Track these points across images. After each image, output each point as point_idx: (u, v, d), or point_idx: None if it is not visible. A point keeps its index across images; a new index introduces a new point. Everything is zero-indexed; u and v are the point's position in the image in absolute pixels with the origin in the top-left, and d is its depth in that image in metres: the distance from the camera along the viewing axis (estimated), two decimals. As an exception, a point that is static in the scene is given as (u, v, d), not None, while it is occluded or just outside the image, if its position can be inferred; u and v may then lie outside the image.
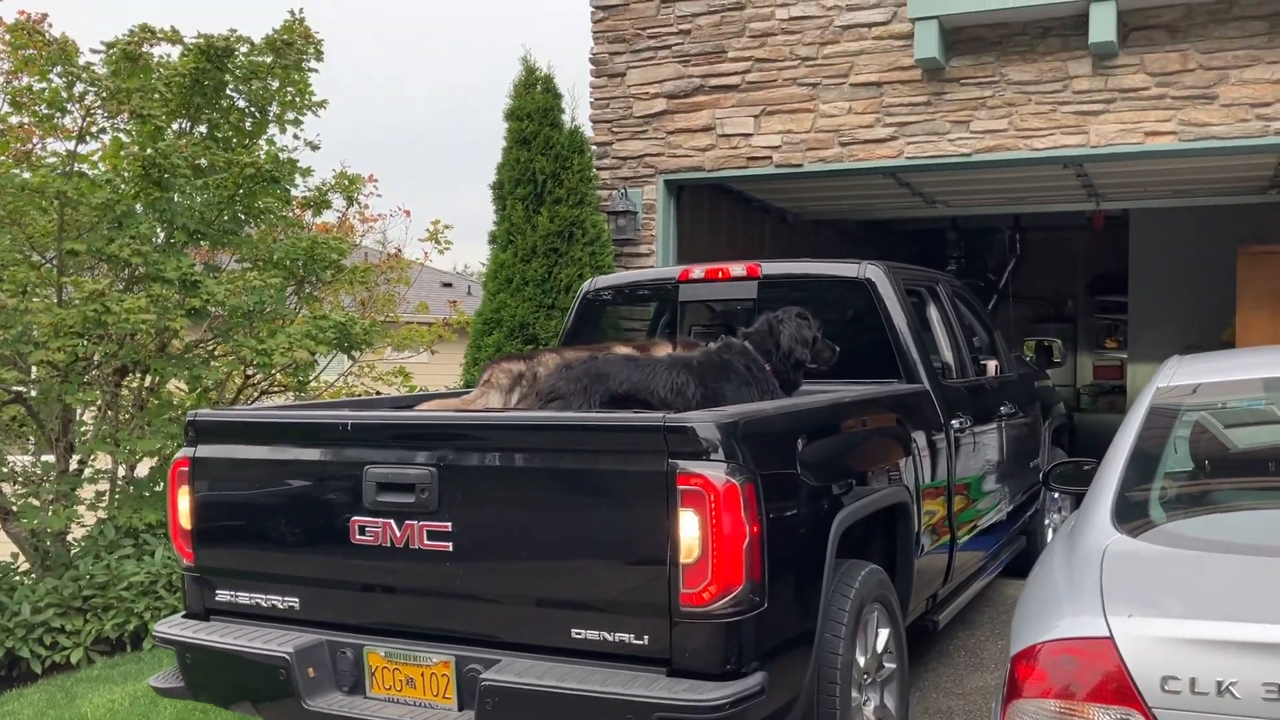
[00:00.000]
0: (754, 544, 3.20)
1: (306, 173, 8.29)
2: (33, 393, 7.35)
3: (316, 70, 8.24)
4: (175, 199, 7.50)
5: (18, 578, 6.96)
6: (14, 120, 7.73)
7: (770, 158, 8.57)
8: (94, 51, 7.47)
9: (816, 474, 3.74)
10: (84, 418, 7.72)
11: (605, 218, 8.55)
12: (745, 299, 5.48)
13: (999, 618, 6.48)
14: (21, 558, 7.25)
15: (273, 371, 7.85)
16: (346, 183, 8.68)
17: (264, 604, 3.92)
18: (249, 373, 8.09)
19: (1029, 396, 7.16)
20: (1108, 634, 2.37)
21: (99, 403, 7.45)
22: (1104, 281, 15.20)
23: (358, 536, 3.64)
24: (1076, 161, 8.36)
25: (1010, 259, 15.33)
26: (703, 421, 3.26)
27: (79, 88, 7.35)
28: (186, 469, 4.06)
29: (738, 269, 5.57)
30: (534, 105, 8.23)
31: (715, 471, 3.17)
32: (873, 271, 5.25)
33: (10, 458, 7.46)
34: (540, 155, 8.14)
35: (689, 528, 3.16)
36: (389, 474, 3.60)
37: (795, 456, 3.65)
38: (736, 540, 3.16)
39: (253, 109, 8.16)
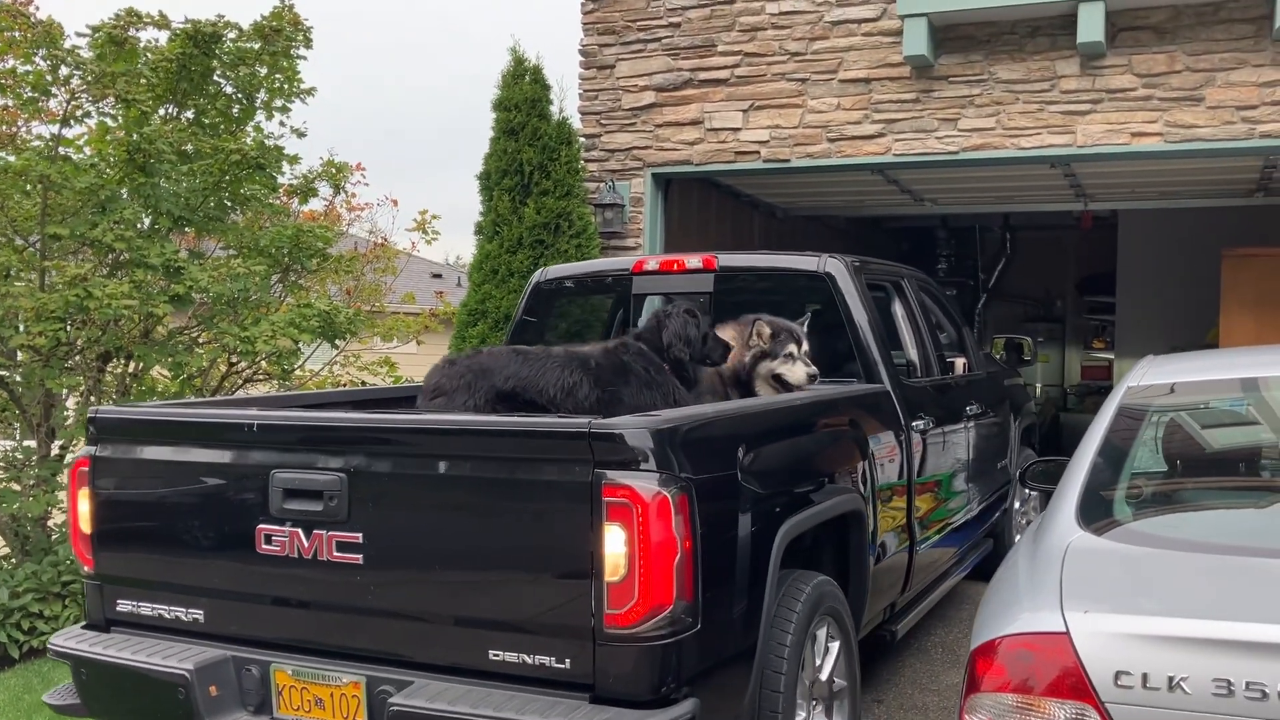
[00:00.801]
0: (686, 560, 2.99)
1: (293, 160, 8.25)
2: (15, 377, 7.32)
3: (305, 58, 8.20)
4: (160, 184, 7.45)
5: (-5, 562, 6.95)
6: (-2, 103, 7.70)
7: (758, 152, 8.58)
8: (80, 35, 7.43)
9: (760, 482, 3.53)
10: (67, 403, 7.70)
11: (592, 210, 8.55)
12: (701, 292, 5.32)
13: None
14: (1, 542, 7.23)
15: (257, 359, 7.83)
16: (334, 171, 8.65)
17: (167, 616, 3.70)
18: (233, 360, 8.07)
19: (998, 396, 7.03)
20: (1064, 629, 2.40)
21: (82, 388, 7.43)
22: (1093, 282, 15.27)
23: (264, 546, 3.44)
24: (1063, 161, 8.39)
25: (1000, 258, 15.38)
26: (632, 428, 3.05)
27: (64, 71, 7.30)
28: (87, 469, 3.83)
29: (693, 261, 5.42)
30: (522, 96, 8.22)
31: (644, 483, 2.95)
32: (833, 265, 5.08)
33: (-9, 442, 7.46)
34: (528, 146, 8.14)
35: (614, 543, 2.95)
36: (296, 479, 3.40)
37: (736, 464, 3.44)
38: (667, 557, 2.95)
39: (240, 95, 8.11)
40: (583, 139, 8.85)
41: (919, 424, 5.15)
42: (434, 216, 9.91)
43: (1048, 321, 16.56)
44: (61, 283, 6.81)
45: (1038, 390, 15.45)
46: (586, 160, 8.84)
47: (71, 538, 3.92)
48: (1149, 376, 3.69)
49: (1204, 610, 2.39)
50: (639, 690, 2.99)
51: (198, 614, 3.65)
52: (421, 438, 3.43)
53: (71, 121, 7.43)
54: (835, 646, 3.99)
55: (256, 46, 7.87)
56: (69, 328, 6.93)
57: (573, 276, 5.97)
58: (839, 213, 12.67)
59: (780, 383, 4.71)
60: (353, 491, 3.30)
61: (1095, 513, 3.00)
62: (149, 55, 7.54)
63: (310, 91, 8.32)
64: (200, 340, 7.95)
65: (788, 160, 8.51)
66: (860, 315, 5.01)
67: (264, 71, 8.05)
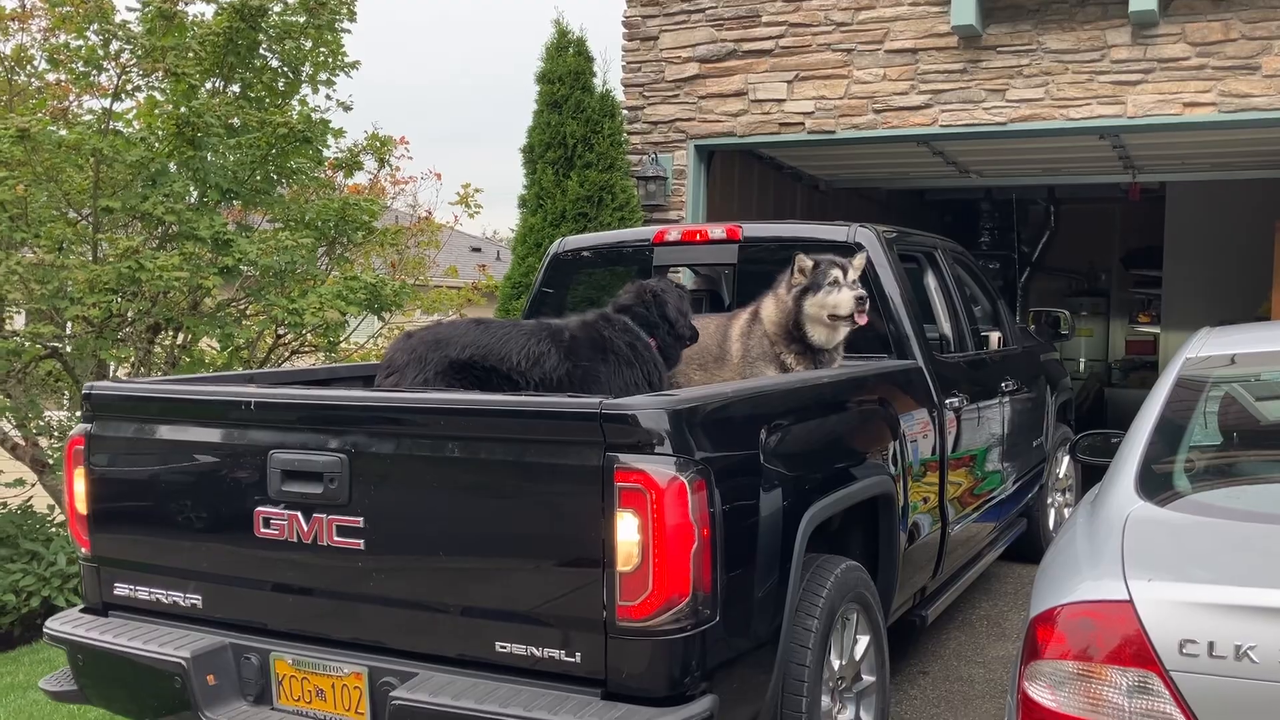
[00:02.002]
0: (704, 549, 2.83)
1: (338, 134, 8.31)
2: (68, 348, 7.44)
3: (349, 31, 8.25)
4: (208, 158, 7.53)
5: (54, 529, 7.09)
6: (51, 78, 7.81)
7: (803, 124, 8.51)
8: (130, 10, 7.52)
9: (784, 464, 3.34)
10: (118, 374, 7.82)
11: (635, 183, 8.54)
12: (725, 263, 5.17)
13: (1021, 589, 6.49)
14: (57, 509, 7.38)
15: (304, 331, 7.92)
16: (378, 144, 8.69)
17: (165, 600, 3.56)
18: (280, 332, 8.16)
19: (1034, 371, 6.80)
20: (1127, 597, 2.38)
21: (132, 359, 7.54)
22: (1139, 255, 15.06)
23: (262, 529, 3.30)
24: (1113, 132, 8.26)
25: (1044, 231, 15.20)
26: (647, 408, 2.88)
27: (115, 45, 7.38)
28: (82, 447, 3.68)
29: (717, 231, 5.21)
30: (566, 68, 8.21)
31: (659, 467, 2.79)
32: (864, 235, 4.86)
33: (46, 412, 7.58)
34: (571, 119, 8.14)
35: (627, 531, 2.79)
36: (295, 460, 3.25)
37: (758, 446, 3.26)
38: (683, 545, 2.79)
39: (285, 69, 8.17)
40: (625, 111, 8.82)
41: (952, 401, 4.95)
42: (477, 190, 9.93)
43: (1092, 295, 16.36)
44: (113, 255, 6.91)
45: (1081, 365, 15.30)
46: (629, 133, 8.82)
47: (69, 518, 3.82)
48: (1208, 348, 3.64)
49: (1273, 580, 2.36)
50: (653, 686, 2.84)
51: (196, 599, 3.53)
52: (425, 417, 3.25)
53: (122, 95, 7.52)
54: (863, 635, 3.83)
55: (301, 20, 7.92)
56: (120, 299, 7.04)
57: (591, 247, 5.75)
58: (882, 185, 12.57)
59: (832, 317, 4.37)
60: (354, 473, 3.17)
61: (1155, 483, 2.97)
62: (197, 29, 7.61)
63: (354, 65, 8.37)
64: (248, 312, 8.05)
65: (833, 131, 8.44)
66: (892, 287, 4.80)
67: (309, 45, 8.09)
